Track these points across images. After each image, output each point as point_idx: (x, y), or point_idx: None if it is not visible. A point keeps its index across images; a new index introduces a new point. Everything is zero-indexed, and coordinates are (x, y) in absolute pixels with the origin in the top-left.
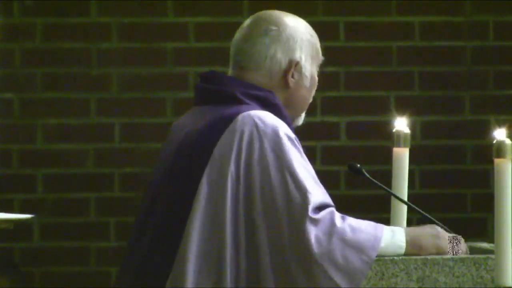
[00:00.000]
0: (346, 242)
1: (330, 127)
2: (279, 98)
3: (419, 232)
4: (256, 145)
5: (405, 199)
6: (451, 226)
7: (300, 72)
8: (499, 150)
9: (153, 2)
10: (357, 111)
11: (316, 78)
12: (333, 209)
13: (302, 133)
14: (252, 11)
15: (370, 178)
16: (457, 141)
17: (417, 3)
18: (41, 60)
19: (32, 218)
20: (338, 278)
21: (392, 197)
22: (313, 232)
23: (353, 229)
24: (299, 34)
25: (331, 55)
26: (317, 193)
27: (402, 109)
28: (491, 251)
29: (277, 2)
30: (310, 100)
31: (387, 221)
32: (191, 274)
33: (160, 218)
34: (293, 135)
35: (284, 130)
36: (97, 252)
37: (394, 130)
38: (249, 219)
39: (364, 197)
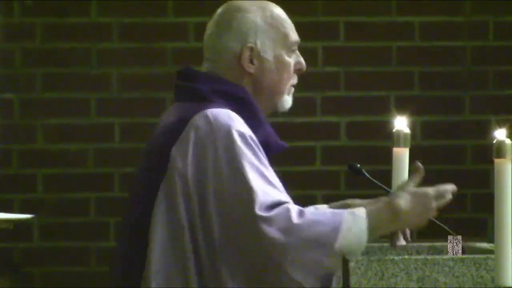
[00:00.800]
0: (304, 239)
1: (330, 127)
2: (246, 89)
3: (380, 205)
4: (209, 146)
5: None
6: (451, 226)
7: (259, 56)
8: (499, 150)
9: (153, 2)
10: (357, 111)
11: (286, 59)
12: (287, 205)
13: (302, 133)
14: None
15: (370, 178)
16: (457, 141)
17: (417, 3)
18: (41, 60)
19: (32, 218)
20: (300, 277)
21: None
22: (267, 232)
23: (311, 224)
24: (251, 19)
25: (331, 55)
26: (267, 192)
27: (402, 109)
28: (491, 251)
29: (277, 2)
30: (287, 82)
31: None
32: (156, 275)
33: (129, 220)
34: (247, 133)
35: (237, 128)
36: (97, 252)
37: (394, 130)
38: (206, 220)
39: (364, 197)
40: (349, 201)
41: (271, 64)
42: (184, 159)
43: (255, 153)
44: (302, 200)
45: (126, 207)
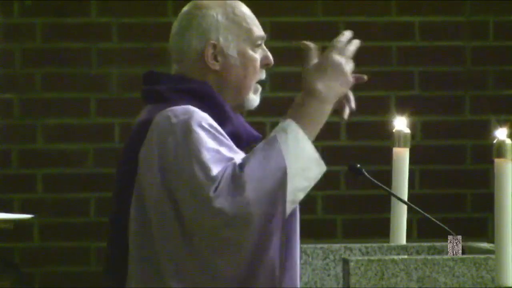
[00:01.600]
0: (260, 189)
1: (330, 127)
2: (209, 85)
3: (297, 100)
4: (170, 140)
5: (405, 199)
6: (451, 226)
7: (223, 53)
8: (499, 150)
9: (153, 2)
10: (357, 111)
11: (251, 54)
12: (229, 163)
13: None
14: (252, 10)
15: (370, 178)
16: (457, 141)
17: (417, 3)
18: (41, 60)
19: (32, 218)
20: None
21: (392, 197)
22: (221, 207)
23: (255, 171)
24: (212, 16)
25: None
26: (217, 160)
27: (402, 109)
28: (491, 251)
29: (278, 2)
30: (253, 77)
31: (387, 221)
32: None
33: (110, 223)
34: (206, 121)
35: (197, 120)
36: (97, 252)
37: (394, 130)
38: (175, 210)
39: (364, 197)
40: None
41: (236, 60)
42: (150, 160)
43: (211, 134)
44: (302, 200)
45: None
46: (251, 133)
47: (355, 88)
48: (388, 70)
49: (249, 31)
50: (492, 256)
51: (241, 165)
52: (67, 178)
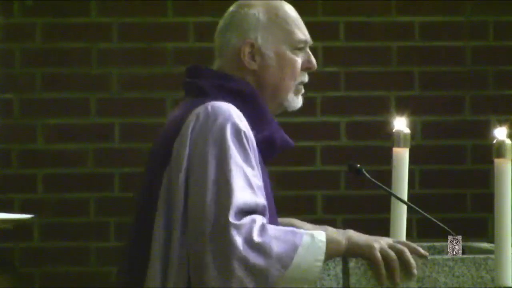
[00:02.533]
0: (262, 253)
1: (330, 127)
2: (251, 85)
3: (340, 233)
4: (200, 140)
5: (405, 199)
6: (451, 226)
7: (260, 52)
8: (499, 150)
9: (153, 2)
10: (357, 111)
11: (289, 56)
12: (255, 217)
13: (302, 133)
14: None
15: (370, 178)
16: (457, 141)
17: (417, 3)
18: (41, 60)
19: (32, 218)
20: (250, 285)
21: (392, 197)
22: (233, 238)
23: (271, 240)
24: (253, 15)
25: (331, 55)
26: (244, 195)
27: (402, 109)
28: (491, 251)
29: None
30: (291, 79)
31: (387, 221)
32: (158, 275)
33: (135, 220)
34: (243, 129)
35: (233, 122)
36: (97, 252)
37: (394, 130)
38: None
39: (364, 197)
40: (298, 223)
41: (273, 61)
42: (182, 151)
43: (244, 151)
44: (302, 200)
45: (135, 204)
46: (286, 140)
47: (355, 88)
48: (388, 70)
49: (290, 33)
50: (492, 256)
51: (263, 228)
52: (67, 178)
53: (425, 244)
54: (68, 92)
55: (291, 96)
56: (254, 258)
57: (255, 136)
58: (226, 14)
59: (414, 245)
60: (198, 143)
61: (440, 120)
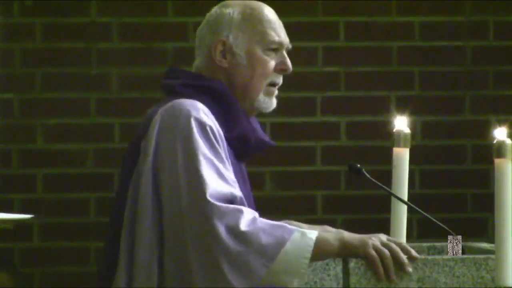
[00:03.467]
0: (247, 245)
1: (330, 127)
2: (223, 82)
3: (332, 233)
4: (168, 134)
5: (405, 199)
6: (451, 226)
7: (231, 51)
8: (500, 150)
9: (153, 2)
10: (357, 111)
11: (260, 55)
12: (242, 208)
13: (302, 133)
14: None
15: (370, 178)
16: (457, 141)
17: (417, 3)
18: (41, 60)
19: (32, 218)
20: (233, 279)
21: (392, 197)
22: (216, 224)
23: (258, 232)
24: (228, 14)
25: (331, 55)
26: (219, 184)
27: (402, 109)
28: (491, 251)
29: (277, 2)
30: (261, 79)
31: (387, 221)
32: (124, 278)
33: (109, 220)
34: (208, 123)
35: (197, 117)
36: (97, 252)
37: (394, 130)
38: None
39: (364, 197)
40: (294, 224)
41: (243, 59)
42: (148, 150)
43: (211, 145)
44: (302, 200)
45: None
46: (261, 139)
47: (355, 88)
48: (388, 70)
49: (262, 33)
50: (492, 256)
51: (253, 220)
52: (67, 178)
53: (425, 244)
54: (68, 92)
55: (261, 96)
56: (237, 247)
57: (225, 134)
58: (206, 15)
59: (407, 246)
60: (165, 141)
61: (440, 120)
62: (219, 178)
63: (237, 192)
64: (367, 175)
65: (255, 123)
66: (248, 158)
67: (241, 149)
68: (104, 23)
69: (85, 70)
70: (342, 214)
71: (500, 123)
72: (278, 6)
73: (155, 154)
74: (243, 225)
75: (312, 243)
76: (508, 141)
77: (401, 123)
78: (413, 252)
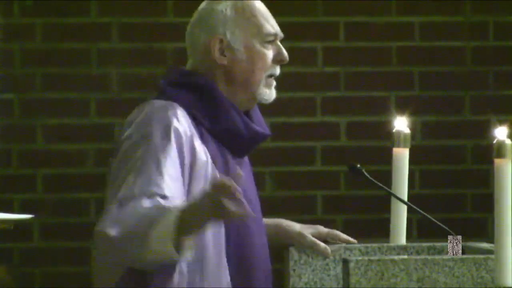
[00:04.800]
0: (123, 231)
1: (330, 127)
2: (208, 78)
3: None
4: (126, 127)
5: (405, 199)
6: (451, 226)
7: (230, 47)
8: (500, 150)
9: (153, 2)
10: (357, 111)
11: (259, 49)
12: (110, 216)
13: (302, 133)
14: None
15: (370, 178)
16: (457, 141)
17: (417, 3)
18: (41, 60)
19: (32, 218)
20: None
21: (392, 197)
22: (100, 223)
23: (130, 216)
24: (221, 10)
25: (331, 55)
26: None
27: (402, 109)
28: (491, 251)
29: (277, 2)
30: (261, 72)
31: (387, 221)
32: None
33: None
34: (174, 125)
35: (163, 117)
36: None
37: (394, 130)
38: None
39: (364, 197)
40: (286, 223)
41: (242, 55)
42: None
43: (167, 142)
44: (302, 200)
45: None
46: (254, 130)
47: (355, 88)
48: (388, 70)
49: (258, 26)
50: (492, 256)
51: (120, 204)
52: (67, 178)
53: (425, 244)
54: (68, 92)
55: (262, 88)
56: (111, 231)
57: (212, 127)
58: (194, 13)
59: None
60: (124, 130)
61: (440, 120)
62: (154, 174)
63: (163, 191)
64: (367, 175)
65: (255, 114)
66: (246, 152)
67: (234, 143)
68: (104, 23)
69: (85, 70)
70: (342, 214)
71: (500, 123)
72: (279, 6)
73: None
74: (115, 212)
75: (175, 211)
76: (508, 141)
77: (401, 123)
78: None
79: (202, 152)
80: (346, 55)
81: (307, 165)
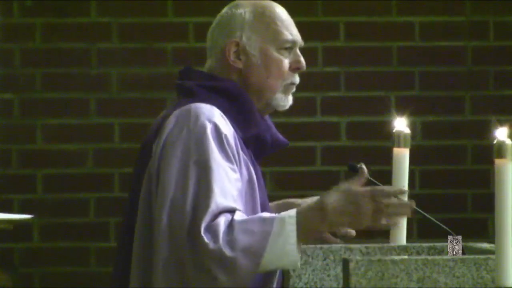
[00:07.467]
0: (234, 249)
1: (330, 127)
2: (237, 84)
3: (311, 204)
4: (181, 141)
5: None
6: (451, 226)
7: (245, 51)
8: (500, 150)
9: (153, 2)
10: (357, 111)
11: (274, 55)
12: (224, 216)
13: (302, 133)
14: None
15: (370, 178)
16: (457, 141)
17: (417, 3)
18: (41, 60)
19: (32, 218)
20: (229, 284)
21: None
22: (206, 237)
23: (239, 233)
24: (240, 14)
25: (331, 55)
26: (222, 199)
27: (402, 109)
28: (491, 251)
29: (278, 2)
30: (277, 78)
31: None
32: (140, 277)
33: (123, 220)
34: (223, 132)
35: (215, 125)
36: (97, 252)
37: (394, 130)
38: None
39: None
40: (291, 200)
41: (257, 59)
42: (157, 152)
43: (225, 152)
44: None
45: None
46: (277, 138)
47: (355, 88)
48: (388, 70)
49: (276, 33)
50: (492, 256)
51: (230, 226)
52: (67, 178)
53: (425, 244)
54: (68, 92)
55: (279, 95)
56: (226, 254)
57: (242, 134)
58: (217, 16)
59: (391, 188)
60: (177, 144)
61: (440, 120)
62: (226, 189)
63: (238, 206)
64: (367, 175)
65: (269, 122)
66: (263, 157)
67: (259, 149)
68: (104, 23)
69: (85, 70)
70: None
71: (500, 123)
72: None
73: (161, 156)
74: (222, 233)
75: (294, 228)
76: (508, 141)
77: (401, 123)
78: (401, 189)
79: (241, 154)
80: (346, 55)
81: (307, 165)
